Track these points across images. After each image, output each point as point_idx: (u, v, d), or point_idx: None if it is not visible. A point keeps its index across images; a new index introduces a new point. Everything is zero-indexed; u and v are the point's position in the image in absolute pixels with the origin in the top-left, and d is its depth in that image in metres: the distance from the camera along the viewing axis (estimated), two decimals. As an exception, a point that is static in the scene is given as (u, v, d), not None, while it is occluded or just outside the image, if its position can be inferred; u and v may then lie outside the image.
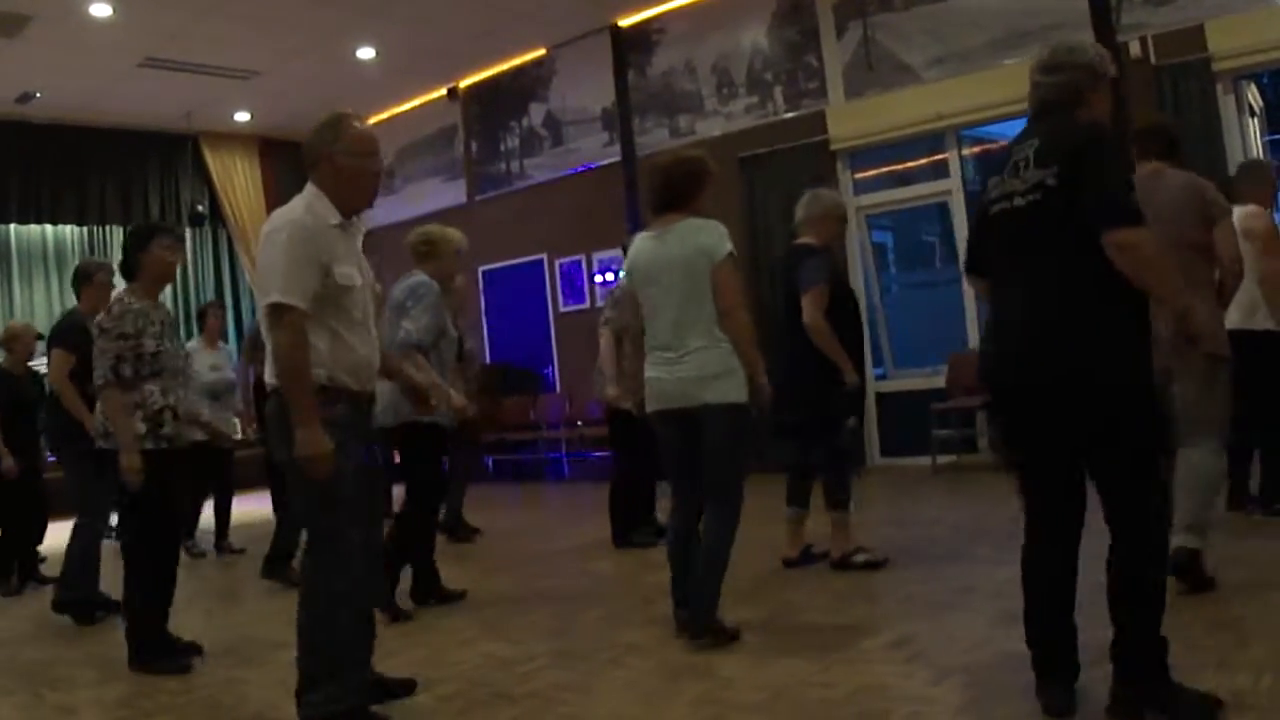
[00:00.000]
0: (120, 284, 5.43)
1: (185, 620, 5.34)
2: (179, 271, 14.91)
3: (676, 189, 4.84)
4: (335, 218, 3.82)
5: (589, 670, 4.50)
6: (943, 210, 10.90)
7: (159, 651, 5.02)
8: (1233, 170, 8.40)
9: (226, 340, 10.36)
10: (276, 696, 4.49)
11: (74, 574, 6.18)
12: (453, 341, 5.97)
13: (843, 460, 6.04)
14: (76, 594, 6.18)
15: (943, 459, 10.15)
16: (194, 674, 4.89)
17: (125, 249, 5.29)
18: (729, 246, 4.71)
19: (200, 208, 15.06)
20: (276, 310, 3.66)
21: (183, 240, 5.27)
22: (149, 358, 5.02)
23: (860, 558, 5.84)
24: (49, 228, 14.24)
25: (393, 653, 5.08)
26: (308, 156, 3.90)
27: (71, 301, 6.73)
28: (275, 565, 6.94)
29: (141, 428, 4.97)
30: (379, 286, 4.05)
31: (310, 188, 3.87)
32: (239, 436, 8.84)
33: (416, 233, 6.05)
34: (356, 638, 3.87)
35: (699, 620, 4.68)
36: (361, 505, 3.84)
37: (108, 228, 14.47)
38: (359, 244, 3.98)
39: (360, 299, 3.86)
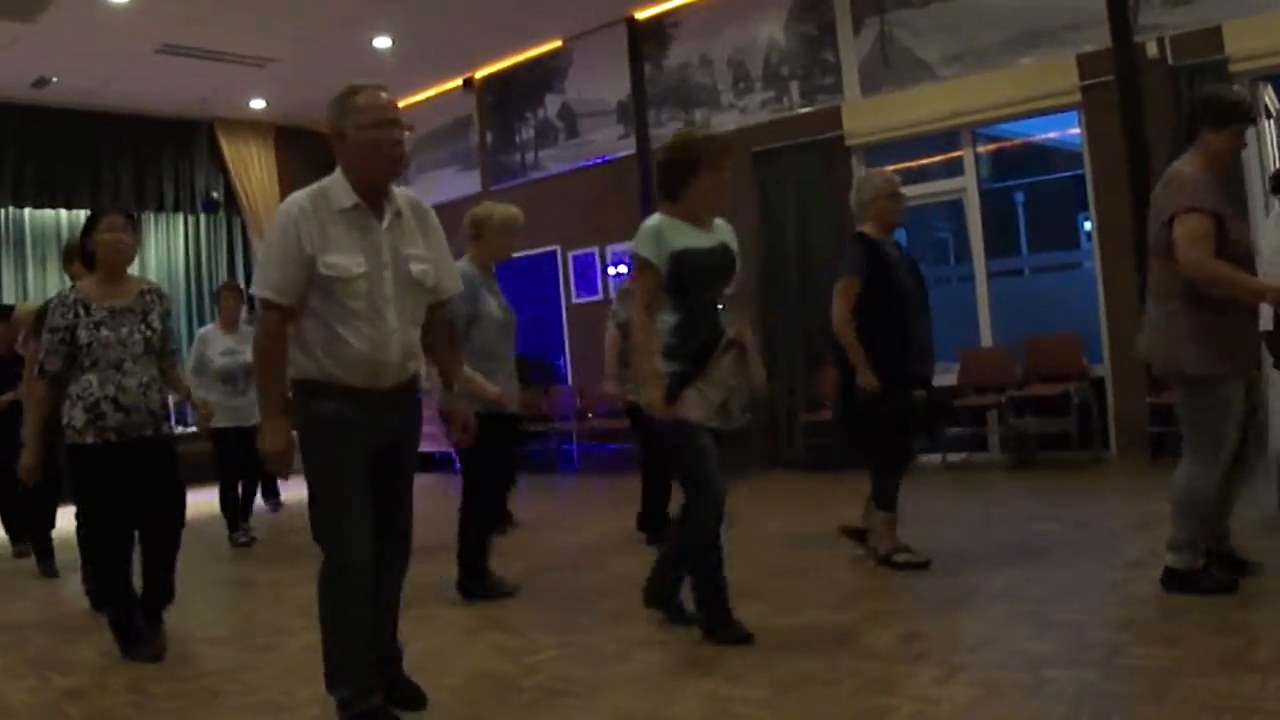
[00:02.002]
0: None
1: (193, 608, 5.35)
2: (193, 258, 15.24)
3: (657, 181, 4.79)
4: (349, 200, 3.67)
5: (596, 663, 4.50)
6: (957, 208, 10.86)
7: (130, 638, 5.04)
8: (1248, 169, 8.45)
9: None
10: (284, 683, 4.51)
11: (86, 568, 6.23)
12: (500, 325, 5.90)
13: (878, 459, 5.87)
14: (91, 584, 6.21)
15: (953, 456, 10.14)
16: (201, 660, 4.90)
17: (80, 240, 5.22)
18: (634, 247, 4.65)
19: (215, 194, 15.09)
20: (260, 303, 3.69)
21: (132, 218, 5.07)
22: (84, 349, 4.91)
23: (900, 558, 5.73)
24: (64, 212, 14.25)
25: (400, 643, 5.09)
26: (330, 137, 3.77)
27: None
28: None
29: (81, 420, 4.90)
30: (419, 268, 3.79)
31: (336, 170, 3.76)
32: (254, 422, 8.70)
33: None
34: (355, 632, 3.77)
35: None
36: (354, 499, 3.70)
37: (122, 213, 14.50)
38: (384, 225, 3.72)
39: (362, 289, 3.65)
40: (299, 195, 3.71)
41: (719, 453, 4.62)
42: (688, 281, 4.56)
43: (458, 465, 5.92)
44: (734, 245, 4.78)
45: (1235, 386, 4.60)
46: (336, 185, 3.71)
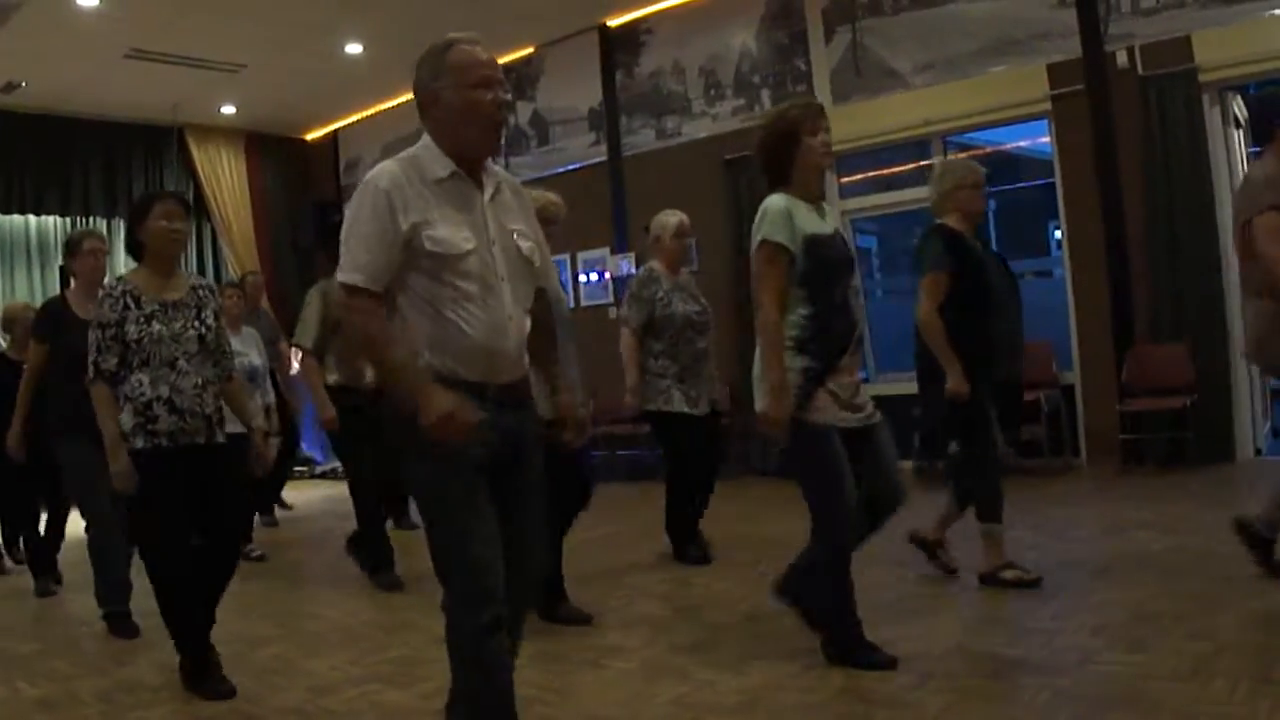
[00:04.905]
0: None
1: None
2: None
3: (762, 165, 4.38)
4: (444, 170, 3.17)
5: (568, 671, 4.50)
6: (927, 216, 10.87)
7: (199, 675, 4.59)
8: (1217, 178, 8.53)
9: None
10: (254, 691, 4.49)
11: (100, 586, 5.85)
12: None
13: (963, 470, 5.54)
14: (109, 608, 5.81)
15: (923, 462, 10.16)
16: (171, 670, 4.76)
17: (127, 228, 4.78)
18: (762, 233, 4.17)
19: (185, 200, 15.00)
20: (345, 290, 3.13)
21: (188, 205, 4.98)
22: (134, 345, 4.48)
23: (1008, 574, 5.28)
24: (32, 218, 14.13)
25: (372, 650, 5.08)
26: (417, 102, 3.28)
27: (54, 291, 6.47)
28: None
29: (129, 423, 4.46)
30: (527, 244, 3.30)
31: (424, 138, 3.26)
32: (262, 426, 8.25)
33: None
34: (487, 660, 3.21)
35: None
36: (480, 518, 3.14)
37: (91, 218, 14.39)
38: (486, 197, 3.24)
39: (474, 267, 3.13)
40: (387, 164, 3.20)
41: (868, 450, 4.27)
42: (823, 270, 4.17)
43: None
44: (844, 231, 4.41)
45: None
46: (428, 154, 3.22)
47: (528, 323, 3.32)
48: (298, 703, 4.32)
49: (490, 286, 3.16)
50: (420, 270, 3.12)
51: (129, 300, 4.54)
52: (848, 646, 4.22)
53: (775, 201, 4.21)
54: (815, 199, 4.32)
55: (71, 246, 6.10)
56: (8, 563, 8.17)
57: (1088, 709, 3.51)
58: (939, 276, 5.29)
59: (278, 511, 10.42)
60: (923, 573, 5.68)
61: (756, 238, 4.21)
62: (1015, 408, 5.84)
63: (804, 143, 4.21)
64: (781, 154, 4.26)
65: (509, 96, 3.27)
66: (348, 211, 3.19)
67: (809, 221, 4.19)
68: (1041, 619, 4.63)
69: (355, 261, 3.10)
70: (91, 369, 4.53)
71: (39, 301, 9.02)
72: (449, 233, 3.11)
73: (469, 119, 3.16)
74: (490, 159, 3.31)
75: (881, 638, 4.36)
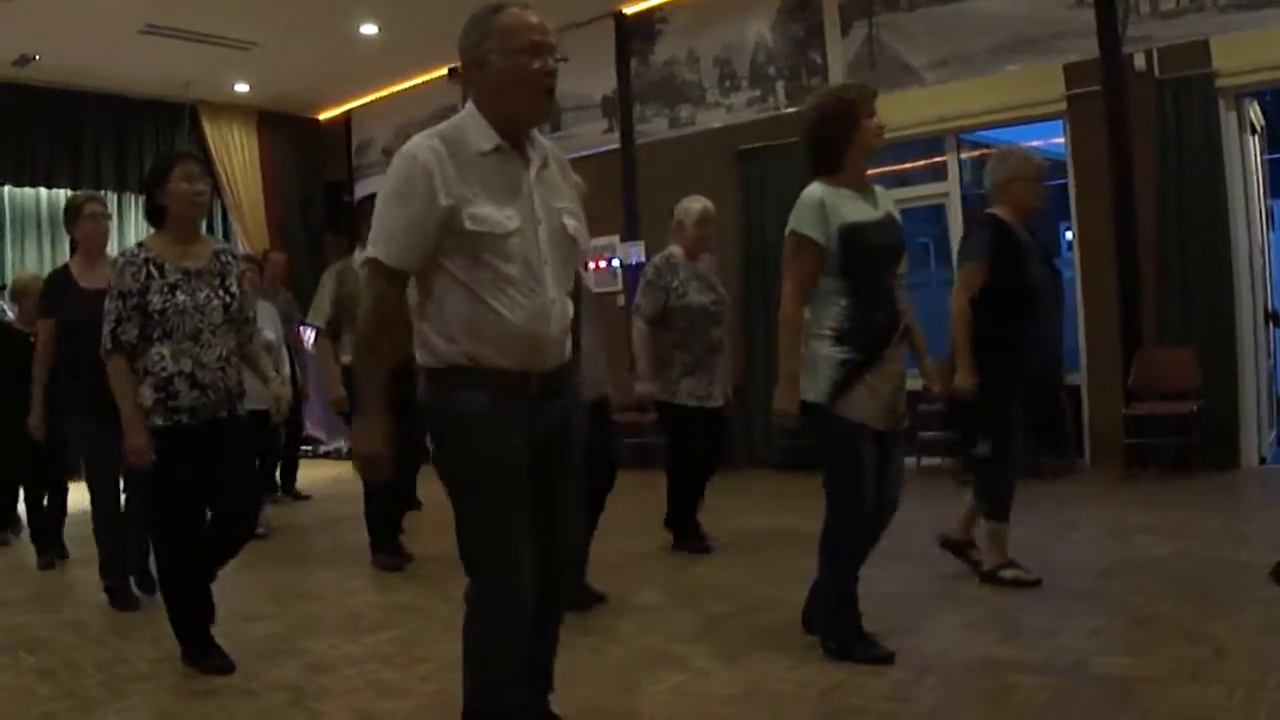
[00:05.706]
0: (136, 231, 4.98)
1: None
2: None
3: (813, 148, 4.34)
4: (489, 143, 3.00)
5: (567, 656, 4.46)
6: (939, 212, 10.88)
7: (199, 651, 4.56)
8: (1231, 184, 8.49)
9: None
10: (253, 667, 4.50)
11: (104, 559, 5.83)
12: None
13: (989, 463, 5.44)
14: (109, 580, 5.80)
15: (927, 461, 10.14)
16: (170, 643, 4.74)
17: (146, 193, 4.56)
18: (791, 223, 4.19)
19: (196, 177, 14.99)
20: (370, 264, 3.00)
21: (205, 165, 4.83)
22: (156, 316, 4.30)
23: (1008, 574, 5.26)
24: (43, 191, 14.12)
25: (371, 630, 5.08)
26: (462, 66, 3.11)
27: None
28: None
29: (149, 399, 4.31)
30: (572, 224, 3.20)
31: (468, 106, 3.09)
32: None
33: None
34: (509, 674, 3.15)
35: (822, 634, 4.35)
36: (515, 515, 3.03)
37: (103, 192, 14.35)
38: (531, 173, 3.08)
39: (517, 248, 2.97)
40: (426, 137, 3.01)
41: (880, 456, 4.22)
42: (862, 260, 4.10)
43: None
44: (898, 216, 4.35)
45: None
46: (472, 124, 3.04)
47: (571, 307, 3.17)
48: (295, 680, 4.34)
49: (533, 270, 3.00)
50: (459, 251, 2.95)
51: (151, 268, 4.36)
52: (846, 637, 4.22)
53: (811, 192, 4.19)
54: (863, 184, 4.27)
55: (72, 211, 5.91)
56: (9, 535, 8.20)
57: (1083, 711, 3.51)
58: (975, 266, 5.21)
59: (293, 502, 9.98)
60: (920, 569, 5.67)
61: (788, 227, 4.20)
62: (1053, 410, 5.73)
63: (861, 124, 4.16)
64: (838, 136, 4.19)
65: (559, 65, 3.12)
66: (382, 182, 3.02)
67: (852, 210, 4.14)
68: (1039, 619, 4.63)
69: (389, 237, 2.96)
70: (109, 340, 4.35)
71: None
72: (492, 211, 2.95)
73: (516, 86, 3.01)
74: (537, 130, 3.16)
75: (877, 634, 4.36)
